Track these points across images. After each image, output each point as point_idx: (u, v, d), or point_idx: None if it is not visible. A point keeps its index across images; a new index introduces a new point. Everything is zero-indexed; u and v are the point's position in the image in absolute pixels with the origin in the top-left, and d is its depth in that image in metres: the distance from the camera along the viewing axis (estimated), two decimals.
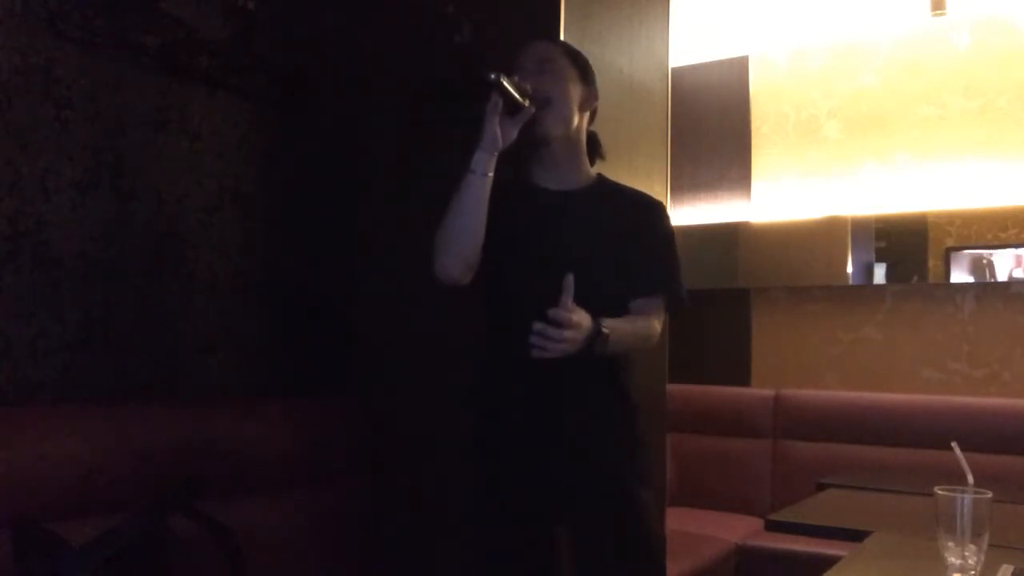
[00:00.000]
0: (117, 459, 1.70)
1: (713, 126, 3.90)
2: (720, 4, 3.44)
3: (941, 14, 3.20)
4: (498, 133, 1.54)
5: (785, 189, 3.75)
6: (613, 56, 2.36)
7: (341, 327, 2.47)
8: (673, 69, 2.72)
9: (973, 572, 1.14)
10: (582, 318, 1.47)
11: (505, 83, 1.51)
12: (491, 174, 1.55)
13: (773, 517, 2.05)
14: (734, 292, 3.82)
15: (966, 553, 1.14)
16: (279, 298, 2.37)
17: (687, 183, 3.82)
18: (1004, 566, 1.26)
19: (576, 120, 1.68)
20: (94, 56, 1.90)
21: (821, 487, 2.43)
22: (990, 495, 1.15)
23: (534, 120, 1.59)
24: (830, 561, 1.39)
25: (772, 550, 2.90)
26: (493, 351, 1.71)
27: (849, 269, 3.62)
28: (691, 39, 3.71)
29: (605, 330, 1.51)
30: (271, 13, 2.30)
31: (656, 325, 1.69)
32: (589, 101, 1.71)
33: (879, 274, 3.62)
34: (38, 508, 1.55)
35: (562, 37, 2.14)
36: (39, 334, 1.80)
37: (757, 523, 3.11)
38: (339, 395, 2.41)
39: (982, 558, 1.14)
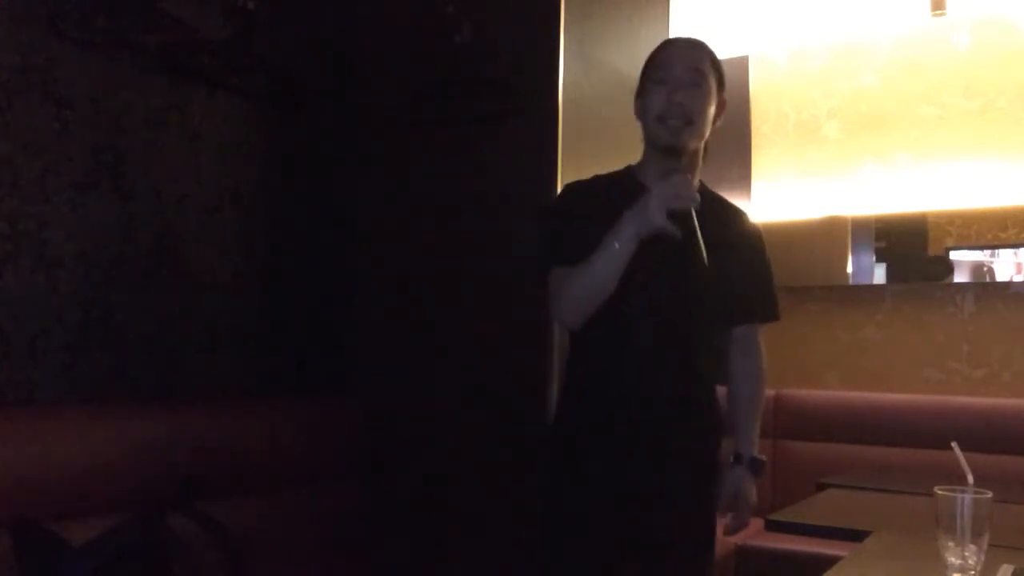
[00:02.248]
0: (117, 459, 1.70)
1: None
2: (720, 4, 3.44)
3: (941, 14, 3.20)
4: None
5: (785, 189, 3.74)
6: (613, 56, 2.36)
7: (341, 327, 2.47)
8: None
9: (973, 572, 1.13)
10: (750, 494, 1.69)
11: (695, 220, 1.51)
12: (634, 248, 1.52)
13: (773, 517, 2.05)
14: None
15: (966, 553, 1.13)
16: (279, 298, 2.37)
17: None
18: (1004, 566, 1.26)
19: (708, 133, 1.66)
20: (94, 56, 1.90)
21: (821, 487, 2.42)
22: (990, 495, 1.15)
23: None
24: (830, 561, 1.39)
25: (772, 550, 2.89)
26: (582, 356, 1.70)
27: (849, 269, 3.62)
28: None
29: (761, 457, 1.71)
30: (271, 13, 2.30)
31: (761, 360, 1.75)
32: (721, 114, 1.68)
33: (879, 274, 3.62)
34: (38, 508, 1.55)
35: (562, 37, 2.14)
36: (39, 334, 1.80)
37: (757, 523, 3.08)
38: (339, 395, 2.41)
39: (982, 558, 1.14)
